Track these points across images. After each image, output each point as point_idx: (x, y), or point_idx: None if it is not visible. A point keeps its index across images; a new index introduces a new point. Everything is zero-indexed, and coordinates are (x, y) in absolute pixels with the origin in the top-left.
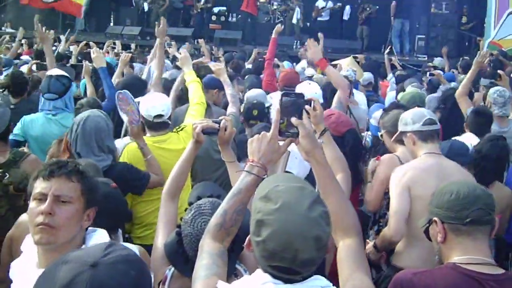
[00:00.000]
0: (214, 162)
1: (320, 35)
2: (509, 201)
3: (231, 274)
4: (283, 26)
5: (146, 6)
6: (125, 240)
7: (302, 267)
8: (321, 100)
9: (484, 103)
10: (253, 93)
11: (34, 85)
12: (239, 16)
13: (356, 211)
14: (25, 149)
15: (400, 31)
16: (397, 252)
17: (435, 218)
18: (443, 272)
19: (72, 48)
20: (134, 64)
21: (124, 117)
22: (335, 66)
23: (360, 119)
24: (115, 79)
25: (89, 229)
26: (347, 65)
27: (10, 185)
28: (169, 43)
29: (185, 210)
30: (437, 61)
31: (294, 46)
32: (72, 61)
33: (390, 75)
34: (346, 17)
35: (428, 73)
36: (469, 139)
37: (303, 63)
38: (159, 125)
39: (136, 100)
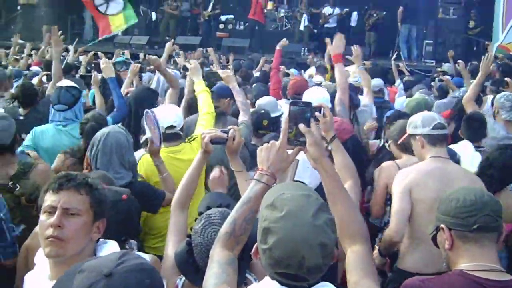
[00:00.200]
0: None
1: (327, 40)
2: None
3: (241, 284)
4: (288, 41)
5: (154, 16)
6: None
7: (308, 274)
8: (329, 105)
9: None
10: (264, 101)
11: (44, 96)
12: (247, 24)
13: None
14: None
15: (408, 37)
16: (400, 255)
17: (442, 225)
18: (450, 279)
19: (81, 58)
20: (143, 74)
21: (148, 132)
22: None
23: (364, 124)
24: (124, 89)
25: (100, 240)
26: (353, 72)
27: (22, 196)
28: (177, 53)
29: (195, 220)
30: (445, 66)
31: (302, 53)
32: (81, 71)
33: (398, 81)
34: (353, 23)
35: (436, 79)
36: (465, 147)
37: (311, 70)
38: (171, 136)
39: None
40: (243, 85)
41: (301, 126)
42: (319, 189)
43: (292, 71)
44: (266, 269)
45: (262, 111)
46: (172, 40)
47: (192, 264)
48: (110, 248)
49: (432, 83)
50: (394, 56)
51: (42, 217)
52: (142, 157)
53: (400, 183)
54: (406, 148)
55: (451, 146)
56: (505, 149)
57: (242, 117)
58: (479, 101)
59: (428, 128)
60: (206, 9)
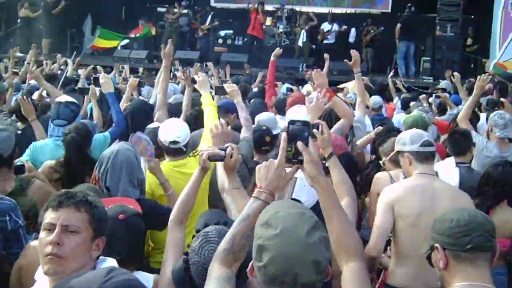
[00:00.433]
0: None
1: (326, 56)
2: None
3: None
4: (281, 50)
5: (153, 30)
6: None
7: None
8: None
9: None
10: (263, 117)
11: (44, 110)
12: (245, 39)
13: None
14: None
15: (405, 53)
16: (389, 270)
17: (437, 245)
18: None
19: (80, 71)
20: (142, 88)
21: (142, 161)
22: (341, 89)
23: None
24: (123, 104)
25: (99, 258)
26: (351, 88)
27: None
28: (176, 68)
29: (192, 237)
30: (443, 83)
31: (300, 69)
32: (80, 84)
33: (396, 99)
34: (351, 39)
35: (434, 95)
36: (448, 164)
37: (308, 86)
38: (175, 151)
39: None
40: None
41: (299, 144)
42: (316, 207)
43: (285, 86)
44: (262, 286)
45: (264, 128)
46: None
47: (189, 281)
48: (108, 265)
49: (430, 100)
50: (391, 73)
51: (42, 234)
52: (147, 172)
53: (384, 199)
54: (394, 160)
55: (438, 163)
56: (498, 166)
57: (244, 133)
58: (476, 117)
59: (416, 145)
60: (203, 23)
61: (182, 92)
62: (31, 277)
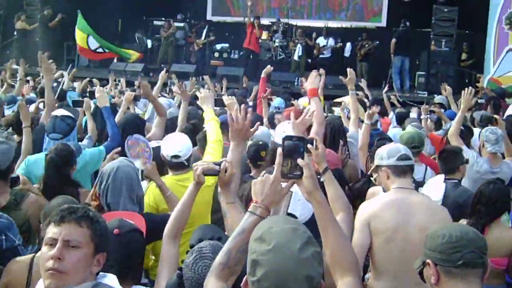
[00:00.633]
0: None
1: (322, 71)
2: None
3: None
4: (272, 68)
5: (149, 43)
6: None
7: None
8: None
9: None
10: (259, 132)
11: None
12: (241, 53)
13: None
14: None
15: (400, 68)
16: (367, 285)
17: (429, 260)
18: None
19: (76, 84)
20: (138, 101)
21: (137, 163)
22: (339, 103)
23: (354, 156)
24: (118, 118)
25: (100, 274)
26: (348, 103)
27: None
28: (173, 82)
29: (186, 252)
30: (438, 98)
31: (296, 83)
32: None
33: (391, 114)
34: (347, 54)
35: (429, 110)
36: (437, 180)
37: (303, 100)
38: (177, 165)
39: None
40: None
41: (300, 161)
42: (310, 221)
43: (278, 100)
44: None
45: (260, 143)
46: (165, 68)
47: None
48: (108, 281)
49: (422, 116)
50: (386, 88)
51: (44, 249)
52: (149, 187)
53: (360, 216)
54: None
55: (432, 179)
56: (490, 184)
57: None
58: (470, 132)
59: (393, 159)
60: (199, 37)
61: (179, 106)
62: None
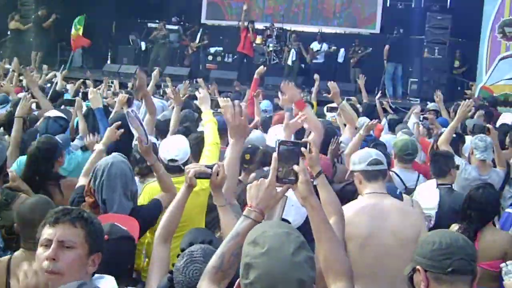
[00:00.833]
0: None
1: (316, 76)
2: (507, 246)
3: None
4: (265, 68)
5: (143, 45)
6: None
7: None
8: None
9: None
10: (253, 136)
11: (32, 124)
12: (235, 56)
13: None
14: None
15: (393, 74)
16: None
17: (418, 267)
18: None
19: (68, 86)
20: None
21: (135, 132)
22: (336, 108)
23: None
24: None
25: (97, 275)
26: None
27: (2, 229)
28: (166, 85)
29: (177, 256)
30: (431, 105)
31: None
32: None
33: (384, 120)
34: (340, 59)
35: (421, 117)
36: (429, 185)
37: None
38: (173, 169)
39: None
40: None
41: (296, 167)
42: (303, 227)
43: (265, 102)
44: None
45: (249, 146)
46: (158, 69)
47: None
48: (106, 282)
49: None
50: (379, 94)
51: (39, 250)
52: (146, 187)
53: None
54: None
55: (422, 185)
56: (479, 189)
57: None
58: (462, 139)
59: (363, 165)
60: (193, 40)
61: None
62: None
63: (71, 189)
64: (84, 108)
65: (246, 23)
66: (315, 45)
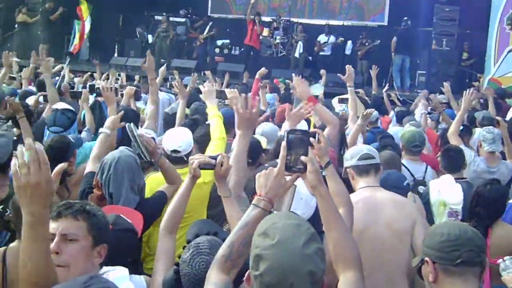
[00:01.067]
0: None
1: (322, 71)
2: None
3: None
4: (267, 70)
5: (150, 38)
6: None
7: None
8: None
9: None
10: (267, 128)
11: (39, 117)
12: (242, 49)
13: None
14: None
15: (401, 66)
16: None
17: (427, 258)
18: None
19: (76, 80)
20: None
21: (136, 147)
22: (346, 100)
23: None
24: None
25: (106, 267)
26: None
27: (11, 222)
28: (174, 77)
29: (183, 248)
30: (440, 97)
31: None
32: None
33: (392, 112)
34: (348, 52)
35: (429, 108)
36: (445, 181)
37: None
38: (176, 159)
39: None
40: None
41: (303, 158)
42: (312, 220)
43: (269, 95)
44: None
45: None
46: (165, 65)
47: None
48: (115, 273)
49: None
50: (386, 87)
51: None
52: (149, 177)
53: None
54: None
55: (434, 181)
56: (487, 185)
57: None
58: (468, 132)
59: (354, 160)
60: (202, 32)
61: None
62: None
63: (77, 185)
64: (91, 101)
65: (252, 16)
66: (322, 38)
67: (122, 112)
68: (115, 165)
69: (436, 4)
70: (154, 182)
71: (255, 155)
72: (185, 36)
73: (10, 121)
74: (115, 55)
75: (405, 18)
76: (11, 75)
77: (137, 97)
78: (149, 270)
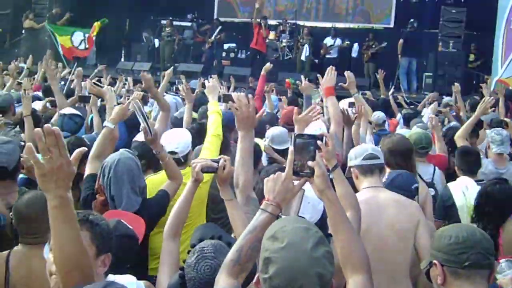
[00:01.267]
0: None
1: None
2: None
3: None
4: (272, 65)
5: (156, 42)
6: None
7: None
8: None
9: None
10: (277, 131)
11: (47, 121)
12: (248, 52)
13: None
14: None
15: (408, 69)
16: None
17: (435, 261)
18: None
19: (83, 84)
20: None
21: (141, 122)
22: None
23: None
24: None
25: (115, 275)
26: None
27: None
28: (180, 81)
29: (188, 252)
30: (446, 99)
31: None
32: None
33: (399, 115)
34: (354, 54)
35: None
36: (465, 183)
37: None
38: (174, 161)
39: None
40: None
41: (310, 163)
42: (319, 224)
43: (273, 97)
44: None
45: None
46: (171, 68)
47: None
48: (126, 280)
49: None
50: (392, 89)
51: (49, 254)
52: (147, 180)
53: None
54: None
55: (453, 184)
56: (495, 184)
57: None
58: (474, 134)
59: (359, 159)
60: (210, 36)
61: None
62: None
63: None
64: (98, 105)
65: (258, 20)
66: (328, 41)
67: (129, 101)
68: (115, 168)
69: (443, 6)
70: (152, 184)
71: (255, 159)
72: (192, 40)
73: (18, 126)
74: (122, 59)
75: (412, 20)
76: (18, 81)
77: (144, 101)
78: (152, 271)
